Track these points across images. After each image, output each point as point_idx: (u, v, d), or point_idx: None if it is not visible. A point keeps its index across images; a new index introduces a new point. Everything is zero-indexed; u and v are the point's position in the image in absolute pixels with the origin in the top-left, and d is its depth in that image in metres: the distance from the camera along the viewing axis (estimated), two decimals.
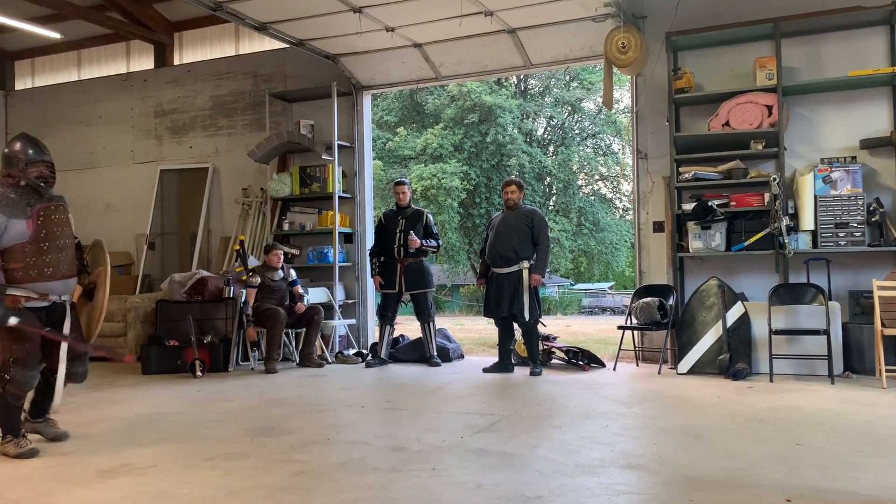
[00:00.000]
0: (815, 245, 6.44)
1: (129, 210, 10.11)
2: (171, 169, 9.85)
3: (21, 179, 4.04)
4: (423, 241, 7.52)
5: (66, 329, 4.08)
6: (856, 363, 6.22)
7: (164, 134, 9.99)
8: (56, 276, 4.03)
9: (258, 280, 7.51)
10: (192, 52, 10.17)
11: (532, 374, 6.65)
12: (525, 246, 6.79)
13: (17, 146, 4.11)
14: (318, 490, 3.21)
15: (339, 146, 8.54)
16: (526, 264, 6.77)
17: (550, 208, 25.64)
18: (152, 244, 9.71)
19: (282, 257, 7.68)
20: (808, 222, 6.44)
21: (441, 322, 9.07)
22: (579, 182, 25.98)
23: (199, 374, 6.91)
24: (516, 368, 6.98)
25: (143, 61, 10.45)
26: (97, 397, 5.91)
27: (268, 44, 9.00)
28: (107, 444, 4.20)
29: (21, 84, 11.28)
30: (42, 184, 4.09)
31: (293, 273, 7.84)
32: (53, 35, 9.50)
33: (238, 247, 8.20)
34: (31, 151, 4.10)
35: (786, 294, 6.34)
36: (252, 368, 7.38)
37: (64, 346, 4.04)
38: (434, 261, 23.78)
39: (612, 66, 7.01)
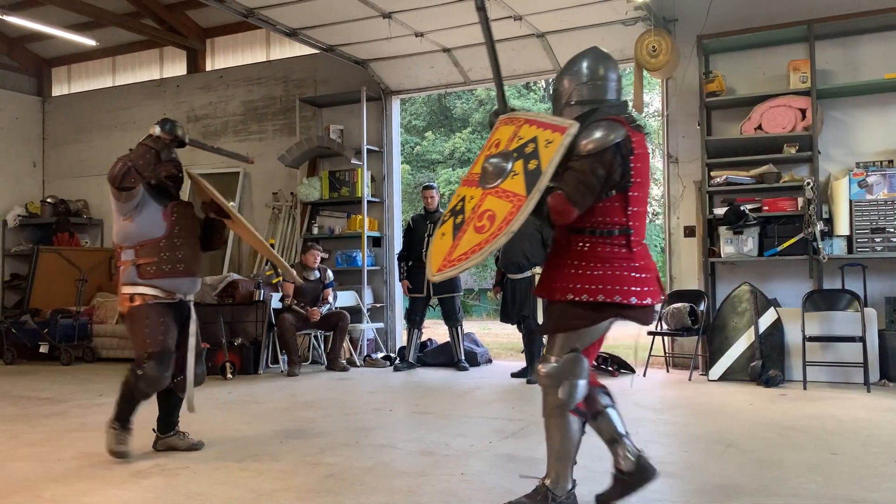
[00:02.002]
0: (850, 250, 6.33)
1: None
2: (202, 173, 9.86)
3: (151, 179, 3.98)
4: None
5: (193, 329, 3.99)
6: (892, 371, 6.09)
7: (196, 139, 10.10)
8: (186, 272, 3.95)
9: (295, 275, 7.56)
10: (223, 58, 10.29)
11: (530, 382, 6.51)
12: (536, 250, 6.76)
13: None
14: (348, 493, 3.23)
15: (368, 150, 8.58)
16: (538, 269, 6.74)
17: None
18: None
19: (318, 257, 7.72)
20: (843, 227, 6.33)
21: (469, 326, 9.06)
22: None
23: (229, 376, 6.99)
24: None
25: (176, 67, 10.60)
26: None
27: (298, 50, 9.08)
28: (139, 444, 4.25)
29: (58, 90, 11.50)
30: (170, 183, 4.08)
31: (330, 275, 7.87)
32: (89, 42, 9.67)
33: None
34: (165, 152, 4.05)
35: (820, 300, 6.24)
36: (282, 371, 7.44)
37: (192, 344, 3.95)
38: None
39: (642, 70, 6.97)
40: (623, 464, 2.94)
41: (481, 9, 3.12)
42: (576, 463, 2.90)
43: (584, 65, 3.00)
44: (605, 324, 2.88)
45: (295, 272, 4.56)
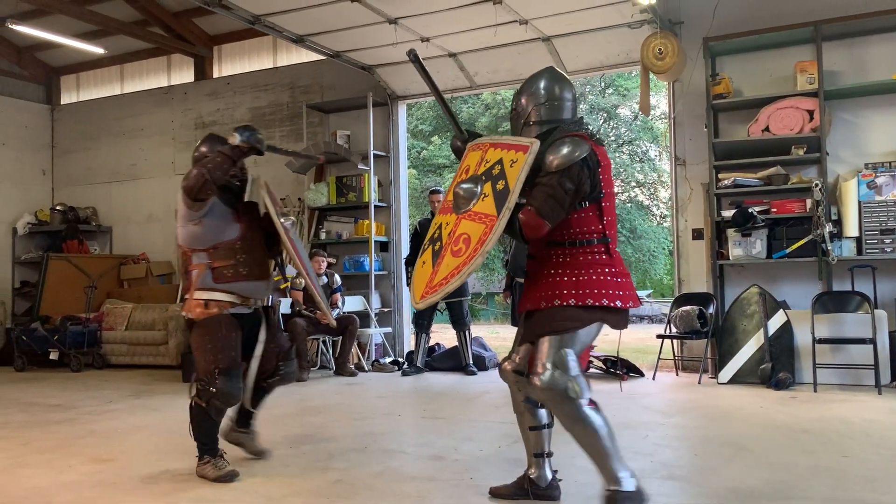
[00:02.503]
0: (859, 252, 6.29)
1: (171, 220, 10.27)
2: None
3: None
4: None
5: (262, 334, 3.84)
6: None
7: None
8: (262, 275, 3.83)
9: (302, 282, 7.58)
10: (231, 64, 10.34)
11: None
12: None
13: (207, 147, 3.94)
14: (357, 498, 3.23)
15: (375, 156, 8.60)
16: None
17: None
18: None
19: (323, 264, 7.73)
20: (852, 229, 6.30)
21: (477, 330, 9.05)
22: (616, 189, 25.77)
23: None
24: None
25: (184, 74, 10.65)
26: (139, 404, 6.02)
27: (305, 56, 9.11)
28: (149, 450, 4.27)
29: (66, 98, 11.58)
30: (236, 183, 3.90)
31: (337, 279, 7.88)
32: (97, 50, 9.74)
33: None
34: (213, 148, 3.90)
35: (829, 302, 6.20)
36: None
37: (258, 352, 3.80)
38: None
39: (648, 73, 6.96)
40: (538, 479, 3.13)
41: (416, 60, 3.33)
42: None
43: (542, 85, 3.09)
44: (593, 330, 2.92)
45: (331, 315, 4.43)
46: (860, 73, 6.62)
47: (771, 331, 6.27)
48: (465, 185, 2.96)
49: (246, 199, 4.01)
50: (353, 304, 8.26)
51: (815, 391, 5.84)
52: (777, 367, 6.15)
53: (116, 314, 9.05)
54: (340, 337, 7.71)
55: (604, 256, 2.92)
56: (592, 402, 2.85)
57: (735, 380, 6.35)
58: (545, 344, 2.86)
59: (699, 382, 6.50)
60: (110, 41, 10.07)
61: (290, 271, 8.16)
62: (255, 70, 10.00)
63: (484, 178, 2.91)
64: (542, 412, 3.12)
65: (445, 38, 7.52)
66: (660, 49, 6.70)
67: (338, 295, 7.79)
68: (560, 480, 3.17)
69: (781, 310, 6.32)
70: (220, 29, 10.09)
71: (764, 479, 3.41)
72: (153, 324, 8.70)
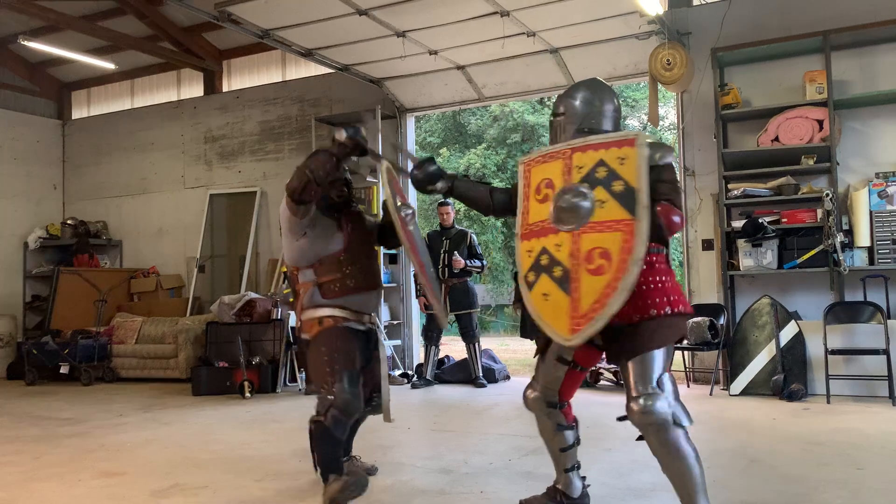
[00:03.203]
0: (871, 262, 6.25)
1: (180, 233, 10.34)
2: (220, 193, 10.06)
3: (324, 200, 3.62)
4: (468, 262, 7.52)
5: (383, 356, 3.66)
6: None
7: (213, 159, 10.22)
8: (371, 285, 3.60)
9: None
10: (240, 78, 10.41)
11: None
12: None
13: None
14: None
15: None
16: None
17: None
18: (202, 267, 9.90)
19: None
20: (863, 238, 6.26)
21: (486, 343, 9.03)
22: None
23: (247, 395, 6.99)
24: None
25: (194, 89, 10.73)
26: (149, 418, 6.02)
27: (314, 69, 9.16)
28: (159, 464, 4.27)
29: (77, 113, 11.67)
30: (336, 199, 3.65)
31: None
32: (108, 66, 9.82)
33: (286, 269, 8.29)
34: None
35: (842, 312, 6.16)
36: (300, 389, 7.44)
37: (384, 370, 3.62)
38: (478, 281, 23.75)
39: (657, 84, 6.95)
40: (569, 488, 3.12)
41: (354, 136, 3.40)
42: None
43: (588, 94, 2.98)
44: (671, 345, 2.81)
45: (444, 314, 4.20)
46: (869, 82, 6.59)
47: (783, 342, 6.22)
48: (567, 198, 2.66)
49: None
50: None
51: (829, 402, 5.78)
52: (789, 379, 6.10)
53: (126, 328, 9.07)
54: None
55: (666, 265, 2.83)
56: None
57: (747, 391, 6.30)
58: (642, 365, 2.67)
59: (710, 394, 6.45)
60: (121, 56, 10.16)
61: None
62: (264, 84, 10.06)
63: (587, 184, 2.65)
64: (570, 433, 3.10)
65: (453, 50, 7.54)
66: (668, 60, 6.70)
67: None
68: (588, 486, 3.17)
69: (793, 320, 6.28)
70: (229, 43, 10.16)
71: (777, 491, 3.38)
72: (163, 337, 8.72)
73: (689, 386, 7.00)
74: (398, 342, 8.61)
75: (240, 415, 6.07)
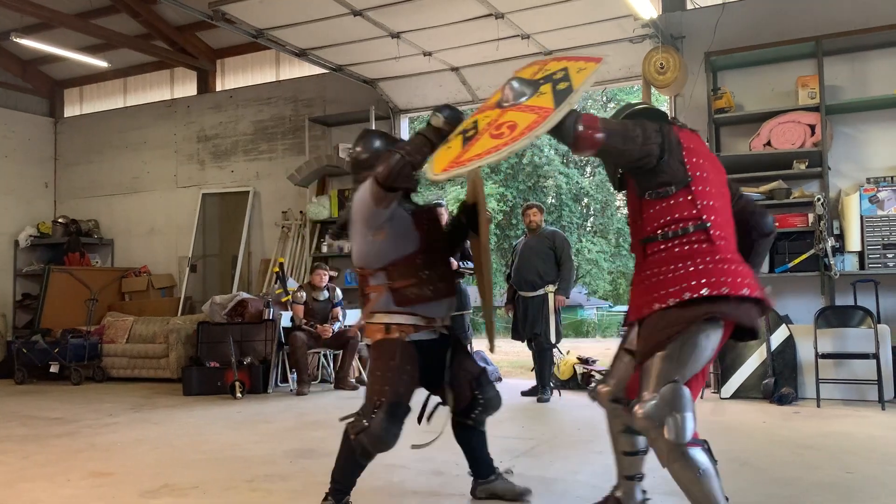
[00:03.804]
0: (862, 266, 6.28)
1: (172, 233, 10.31)
2: (212, 193, 10.03)
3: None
4: (460, 264, 7.51)
5: (469, 366, 3.35)
6: None
7: (206, 158, 10.19)
8: (447, 291, 3.27)
9: (304, 296, 7.57)
10: (233, 78, 10.39)
11: (540, 400, 6.50)
12: (549, 269, 6.74)
13: (367, 145, 3.34)
14: None
15: None
16: (551, 287, 6.70)
17: (588, 229, 25.46)
18: (194, 266, 9.87)
19: (325, 277, 7.71)
20: (854, 243, 6.29)
21: (478, 344, 9.02)
22: (617, 203, 25.78)
23: (238, 395, 6.97)
24: (555, 392, 6.88)
25: (187, 88, 10.70)
26: (139, 418, 6.00)
27: (307, 69, 9.14)
28: (149, 464, 4.25)
29: (70, 111, 11.62)
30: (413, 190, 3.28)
31: (339, 294, 7.86)
32: (101, 64, 9.79)
33: (278, 269, 8.29)
34: (379, 144, 3.32)
35: (832, 317, 6.18)
36: (291, 390, 7.42)
37: (446, 375, 3.27)
38: (471, 283, 23.79)
39: (650, 87, 6.98)
40: (627, 499, 3.00)
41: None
42: (727, 499, 2.57)
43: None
44: (711, 336, 2.56)
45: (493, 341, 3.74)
46: (861, 87, 6.63)
47: (773, 346, 6.25)
48: (516, 84, 2.68)
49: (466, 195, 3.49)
50: (354, 317, 8.23)
51: (819, 406, 5.81)
52: (780, 383, 6.12)
53: (117, 327, 9.04)
54: (341, 351, 7.69)
55: (704, 245, 2.59)
56: (698, 442, 2.53)
57: (737, 395, 6.32)
58: (651, 367, 2.54)
59: (701, 397, 6.46)
60: (114, 55, 10.12)
61: (292, 284, 8.17)
62: (257, 83, 10.04)
63: (542, 81, 2.66)
64: (641, 438, 2.92)
65: (447, 52, 7.55)
66: (661, 63, 6.73)
67: (338, 309, 7.76)
68: (649, 500, 3.02)
69: (784, 324, 6.30)
70: (223, 43, 10.14)
71: (768, 494, 3.39)
72: (154, 337, 8.69)
73: None
74: None
75: (231, 415, 6.05)
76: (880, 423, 5.14)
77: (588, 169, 26.27)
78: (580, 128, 2.54)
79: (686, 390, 2.52)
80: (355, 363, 7.88)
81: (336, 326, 7.62)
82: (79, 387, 8.20)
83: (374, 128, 3.40)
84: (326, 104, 9.30)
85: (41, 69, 11.28)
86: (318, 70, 8.53)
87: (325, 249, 8.83)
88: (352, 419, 3.09)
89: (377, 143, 3.29)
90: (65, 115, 11.57)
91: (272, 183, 9.60)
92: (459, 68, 8.01)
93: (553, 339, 6.67)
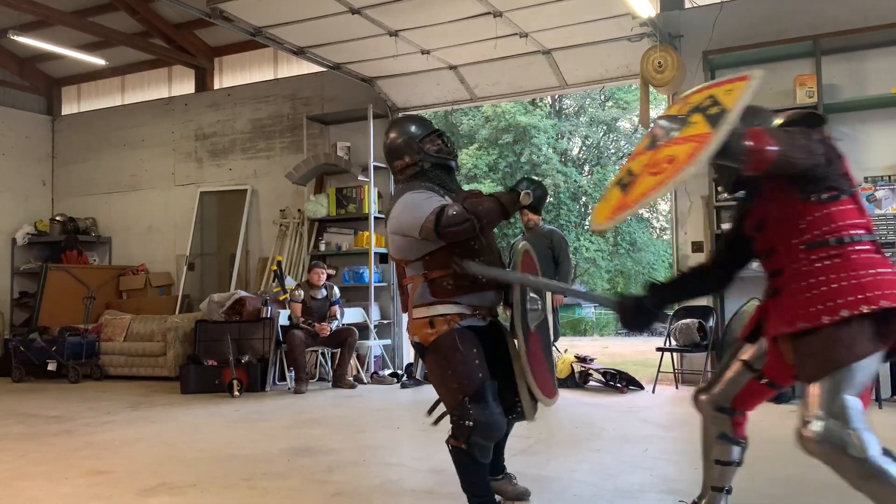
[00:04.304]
0: None
1: (170, 231, 10.30)
2: (210, 191, 10.02)
3: (424, 162, 3.15)
4: None
5: (516, 348, 3.08)
6: None
7: (204, 157, 10.18)
8: (491, 283, 3.07)
9: (301, 294, 7.57)
10: (231, 76, 10.37)
11: None
12: (547, 267, 6.74)
13: (399, 130, 3.23)
14: None
15: (375, 167, 8.61)
16: None
17: (586, 228, 25.48)
18: (192, 265, 9.86)
19: (323, 276, 7.71)
20: None
21: None
22: None
23: (236, 393, 6.97)
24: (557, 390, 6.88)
25: (185, 86, 10.68)
26: (137, 416, 6.00)
27: (305, 68, 9.14)
28: (147, 462, 4.25)
29: (67, 109, 11.60)
30: (448, 158, 3.20)
31: (336, 292, 7.86)
32: (99, 62, 9.77)
33: (276, 267, 8.28)
34: (414, 128, 3.20)
35: None
36: (289, 388, 7.42)
37: (525, 366, 3.02)
38: None
39: (648, 86, 6.98)
40: None
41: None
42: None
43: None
44: (873, 357, 2.35)
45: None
46: (859, 86, 6.64)
47: None
48: (664, 122, 2.48)
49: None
50: (352, 315, 8.24)
51: None
52: None
53: (115, 325, 9.03)
54: (339, 349, 7.69)
55: (877, 256, 2.44)
56: (888, 452, 2.32)
57: None
58: (819, 389, 2.33)
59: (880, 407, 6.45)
60: (112, 52, 10.11)
61: (290, 282, 8.17)
62: (255, 81, 10.03)
63: (690, 113, 2.46)
64: (736, 449, 2.84)
65: (446, 50, 7.54)
66: (659, 62, 6.73)
67: (336, 307, 7.76)
68: None
69: None
70: (221, 41, 10.12)
71: (765, 493, 3.39)
72: (152, 335, 8.69)
73: (677, 387, 7.03)
74: (388, 342, 8.60)
75: (228, 413, 6.05)
76: (877, 422, 5.09)
77: (586, 168, 26.30)
78: (748, 144, 2.30)
79: (856, 401, 2.34)
80: (353, 361, 7.89)
81: (334, 325, 7.62)
82: (76, 385, 8.19)
83: (406, 115, 3.25)
84: (324, 102, 9.29)
85: (39, 67, 11.26)
86: (316, 68, 8.52)
87: (322, 248, 8.84)
88: (450, 435, 2.93)
89: (412, 129, 3.19)
90: (62, 113, 11.55)
91: (270, 181, 9.59)
92: (458, 67, 8.01)
93: (550, 338, 6.65)
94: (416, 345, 3.13)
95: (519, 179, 3.00)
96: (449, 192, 3.12)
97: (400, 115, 3.30)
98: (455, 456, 2.94)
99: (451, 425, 2.92)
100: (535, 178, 2.97)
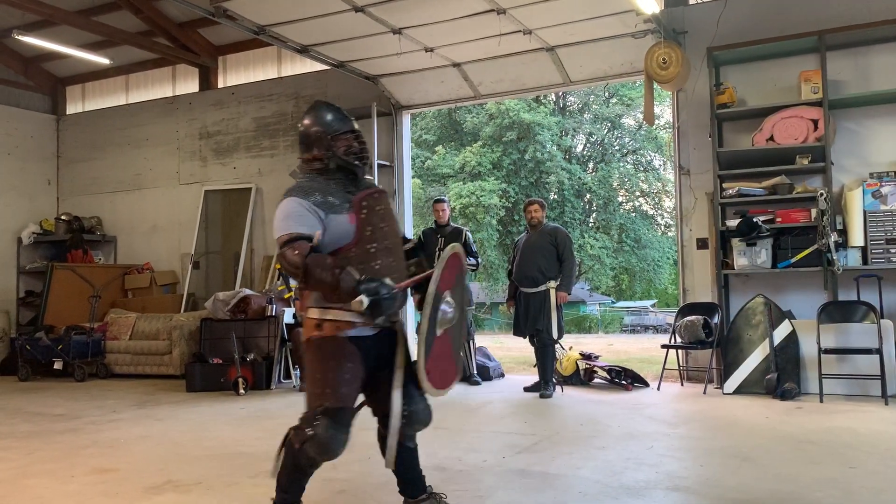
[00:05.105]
0: (865, 262, 6.27)
1: (175, 230, 10.31)
2: (215, 189, 10.03)
3: (330, 161, 2.99)
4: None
5: (399, 361, 2.93)
6: None
7: (208, 155, 10.19)
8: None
9: None
10: (235, 74, 10.38)
11: (542, 396, 6.50)
12: (551, 265, 6.74)
13: (315, 118, 3.05)
14: None
15: (379, 165, 8.61)
16: (553, 283, 6.70)
17: (591, 225, 25.47)
18: (197, 263, 9.88)
19: None
20: (857, 238, 6.27)
21: (481, 340, 9.03)
22: (620, 199, 25.78)
23: (242, 391, 6.99)
24: (557, 387, 6.88)
25: (189, 85, 10.70)
26: (143, 414, 6.01)
27: (309, 66, 9.14)
28: (153, 460, 4.26)
29: (72, 108, 11.63)
30: (356, 161, 3.01)
31: None
32: (103, 61, 9.79)
33: (280, 265, 8.29)
34: (331, 120, 3.03)
35: (835, 312, 6.18)
36: (294, 387, 7.43)
37: (397, 379, 2.91)
38: (473, 279, 23.76)
39: (652, 82, 6.96)
40: None
41: None
42: None
43: None
44: None
45: None
46: (864, 82, 6.61)
47: (776, 341, 6.24)
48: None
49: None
50: None
51: (822, 402, 5.80)
52: (783, 378, 6.12)
53: (120, 324, 9.05)
54: None
55: None
56: None
57: (740, 390, 6.32)
58: None
59: (704, 393, 6.47)
60: (116, 52, 10.12)
61: (294, 281, 8.16)
62: (259, 80, 10.04)
63: None
64: None
65: (449, 47, 7.53)
66: (664, 58, 6.71)
67: None
68: None
69: (787, 320, 6.29)
70: (224, 39, 10.13)
71: (770, 490, 3.39)
72: (157, 333, 8.71)
73: (682, 384, 7.02)
74: None
75: (234, 411, 6.07)
76: (883, 419, 5.13)
77: (591, 165, 26.26)
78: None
79: None
80: None
81: None
82: (82, 383, 8.22)
83: (328, 103, 3.04)
84: (328, 100, 9.26)
85: (43, 66, 11.28)
86: (319, 66, 8.52)
87: None
88: (293, 427, 2.83)
89: (329, 120, 3.02)
90: (67, 113, 11.57)
91: (274, 179, 9.60)
92: (461, 64, 8.00)
93: (555, 335, 6.67)
94: (303, 343, 2.99)
95: (373, 282, 2.69)
96: (349, 194, 2.94)
97: (322, 101, 3.09)
98: (286, 450, 2.89)
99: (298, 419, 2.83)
100: (389, 286, 2.71)
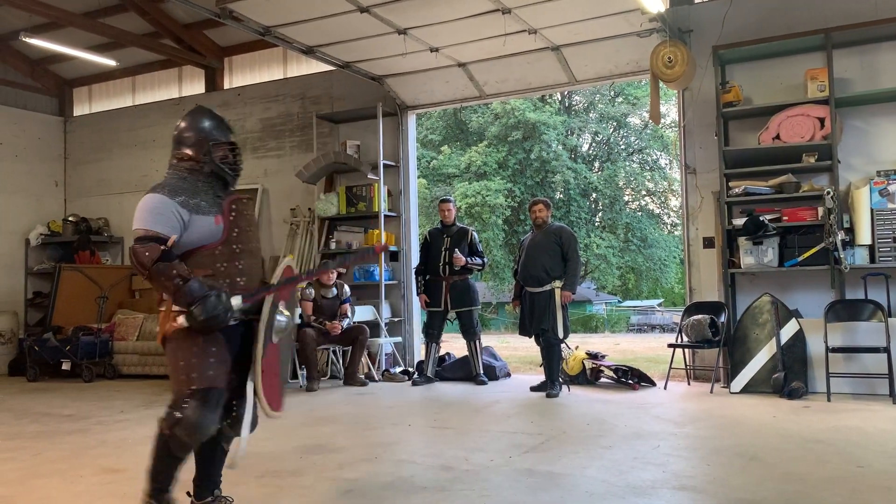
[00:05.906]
0: (872, 260, 6.25)
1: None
2: None
3: (205, 165, 3.12)
4: (468, 259, 7.52)
5: (258, 352, 2.90)
6: None
7: None
8: (247, 289, 2.99)
9: (312, 293, 7.59)
10: (241, 75, 10.41)
11: (549, 395, 6.50)
12: (556, 264, 6.73)
13: (198, 123, 3.19)
14: None
15: (385, 165, 8.62)
16: (558, 283, 6.70)
17: (596, 224, 25.44)
18: None
19: (333, 274, 7.73)
20: (864, 237, 6.25)
21: (487, 340, 9.04)
22: (626, 198, 25.74)
23: None
24: (564, 387, 6.87)
25: (195, 86, 10.73)
26: (149, 414, 6.03)
27: (315, 66, 9.15)
28: None
29: (79, 110, 11.67)
30: (229, 171, 3.18)
31: (347, 290, 7.88)
32: (110, 63, 9.82)
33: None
34: (210, 128, 3.19)
35: (842, 310, 6.16)
36: (300, 386, 7.45)
37: (256, 374, 2.92)
38: (479, 278, 23.76)
39: (658, 81, 6.95)
40: None
41: None
42: None
43: None
44: None
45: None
46: (871, 80, 6.58)
47: (783, 340, 6.23)
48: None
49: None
50: (363, 313, 8.26)
51: (829, 400, 5.79)
52: (790, 377, 6.10)
53: (128, 324, 9.08)
54: (350, 347, 7.71)
55: None
56: None
57: (747, 389, 6.31)
58: None
59: (711, 392, 6.46)
60: (122, 53, 10.16)
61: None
62: (265, 81, 10.06)
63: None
64: None
65: (455, 48, 7.54)
66: (669, 57, 6.70)
67: (346, 305, 7.79)
68: None
69: (794, 318, 6.28)
70: (230, 40, 10.15)
71: (777, 489, 3.38)
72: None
73: (689, 384, 7.01)
74: (399, 339, 8.61)
75: None
76: (891, 418, 5.11)
77: (596, 164, 26.24)
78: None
79: None
80: (364, 359, 7.91)
81: (345, 323, 7.64)
82: (90, 384, 8.25)
83: (210, 110, 3.19)
84: (334, 101, 9.31)
85: (50, 68, 11.33)
86: (325, 67, 8.54)
87: (333, 246, 8.86)
88: (161, 418, 2.87)
89: (208, 128, 3.17)
90: (74, 114, 11.62)
91: (280, 180, 9.62)
92: (466, 64, 8.01)
93: (560, 335, 6.66)
94: (162, 339, 3.01)
95: (210, 300, 2.78)
96: (218, 198, 3.08)
97: (206, 107, 3.29)
98: (156, 440, 2.91)
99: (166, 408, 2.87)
100: (226, 305, 2.82)
